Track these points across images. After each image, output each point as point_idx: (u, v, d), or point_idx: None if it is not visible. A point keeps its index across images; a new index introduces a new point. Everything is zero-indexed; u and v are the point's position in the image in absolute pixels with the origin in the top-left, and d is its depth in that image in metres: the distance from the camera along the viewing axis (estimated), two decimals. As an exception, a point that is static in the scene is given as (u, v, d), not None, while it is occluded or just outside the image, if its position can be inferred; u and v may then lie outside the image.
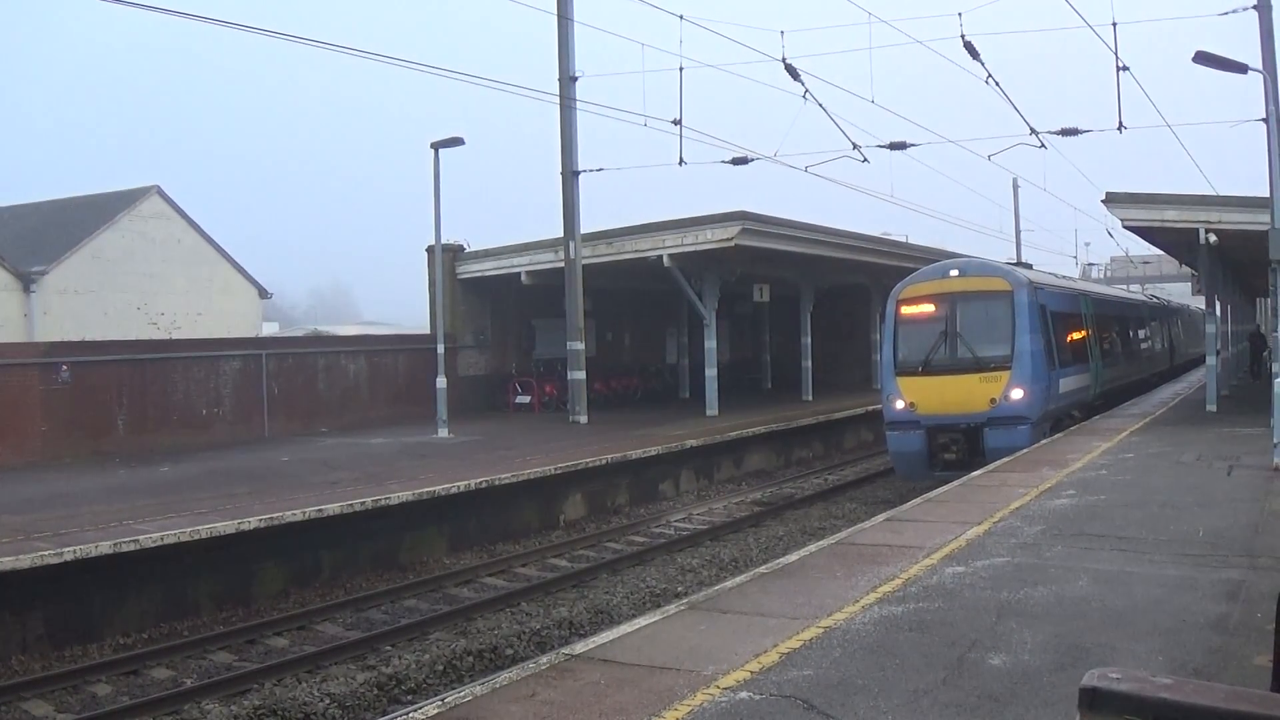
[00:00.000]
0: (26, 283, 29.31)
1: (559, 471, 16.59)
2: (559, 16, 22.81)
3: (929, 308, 18.01)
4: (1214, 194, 20.12)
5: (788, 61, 19.39)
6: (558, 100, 22.94)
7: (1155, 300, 39.53)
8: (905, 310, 18.22)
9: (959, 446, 17.28)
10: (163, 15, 12.39)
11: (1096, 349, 22.64)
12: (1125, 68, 18.86)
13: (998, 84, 19.39)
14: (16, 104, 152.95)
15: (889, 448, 18.80)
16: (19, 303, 29.10)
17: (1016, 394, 17.13)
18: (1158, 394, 27.53)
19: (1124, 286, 52.05)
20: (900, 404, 17.77)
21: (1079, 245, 78.81)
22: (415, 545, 14.45)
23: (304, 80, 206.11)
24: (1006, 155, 23.51)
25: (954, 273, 18.34)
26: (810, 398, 29.41)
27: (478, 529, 15.38)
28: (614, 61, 21.11)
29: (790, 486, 20.99)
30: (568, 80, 22.93)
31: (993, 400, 17.14)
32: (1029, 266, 24.32)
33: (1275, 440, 13.20)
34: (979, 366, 17.38)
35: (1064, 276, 27.25)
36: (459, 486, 14.69)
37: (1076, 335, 21.24)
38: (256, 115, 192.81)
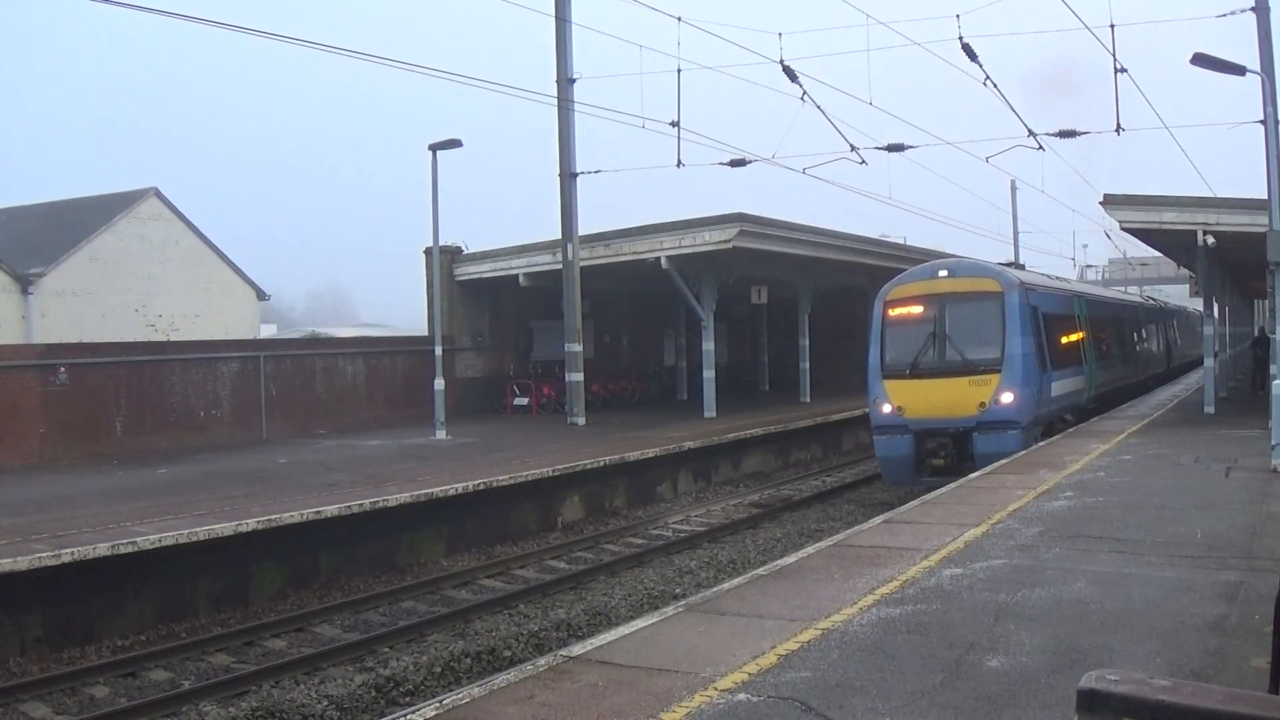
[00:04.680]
0: (24, 284, 29.26)
1: (557, 473, 16.58)
2: (557, 19, 22.84)
3: (917, 309, 17.63)
4: (1212, 196, 20.12)
5: (785, 63, 19.41)
6: (556, 102, 22.96)
7: (1152, 302, 39.48)
8: (892, 312, 17.85)
9: (947, 452, 16.90)
10: (161, 16, 12.39)
11: (1091, 351, 22.43)
12: (1123, 69, 18.91)
13: (995, 86, 19.43)
14: (15, 105, 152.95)
15: (876, 452, 18.42)
16: (17, 304, 29.06)
17: (1006, 398, 16.73)
18: (1155, 396, 27.51)
19: (1121, 288, 52.05)
20: (887, 408, 17.43)
21: (1077, 247, 79.42)
22: (413, 547, 14.45)
23: (302, 82, 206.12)
24: (1004, 157, 23.61)
25: (943, 273, 17.95)
26: (808, 400, 29.41)
27: (475, 531, 15.38)
28: (612, 63, 21.13)
29: (788, 488, 20.99)
30: (566, 82, 22.94)
31: (982, 404, 16.73)
32: (1021, 267, 24.26)
33: (1274, 442, 13.20)
34: (968, 369, 16.98)
35: (1058, 277, 27.18)
36: (457, 488, 14.68)
37: (1070, 337, 20.97)
38: (254, 117, 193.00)
